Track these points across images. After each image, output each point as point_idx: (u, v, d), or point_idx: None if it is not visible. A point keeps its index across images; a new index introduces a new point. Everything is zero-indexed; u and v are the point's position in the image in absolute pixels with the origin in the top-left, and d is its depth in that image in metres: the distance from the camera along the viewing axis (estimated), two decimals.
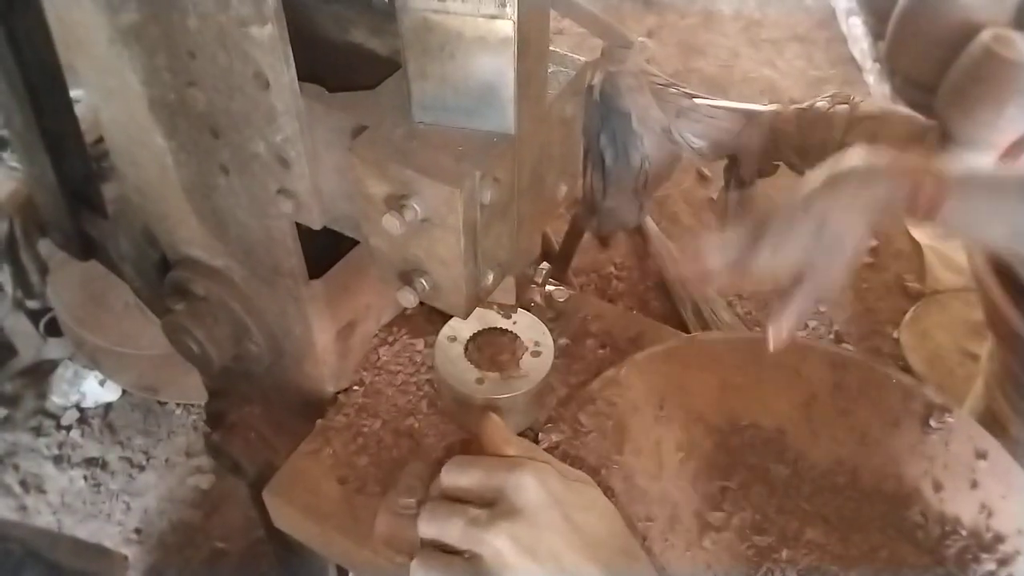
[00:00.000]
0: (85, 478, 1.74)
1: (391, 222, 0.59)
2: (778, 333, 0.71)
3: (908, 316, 2.18)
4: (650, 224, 2.34)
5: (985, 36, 2.21)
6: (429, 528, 0.64)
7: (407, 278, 0.65)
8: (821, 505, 0.81)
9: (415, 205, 0.59)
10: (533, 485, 0.61)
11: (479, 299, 0.67)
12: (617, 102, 0.93)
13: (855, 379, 0.90)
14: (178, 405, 1.86)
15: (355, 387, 0.93)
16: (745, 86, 2.89)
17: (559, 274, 1.10)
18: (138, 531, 1.68)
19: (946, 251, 2.31)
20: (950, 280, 2.27)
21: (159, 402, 1.86)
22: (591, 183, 1.05)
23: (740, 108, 0.88)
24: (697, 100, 0.90)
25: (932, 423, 0.86)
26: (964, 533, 0.79)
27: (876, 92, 2.75)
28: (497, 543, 0.59)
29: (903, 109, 0.90)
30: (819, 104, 0.85)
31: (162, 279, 0.95)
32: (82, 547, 0.85)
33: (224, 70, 0.63)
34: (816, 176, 0.74)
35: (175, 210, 0.83)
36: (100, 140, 1.63)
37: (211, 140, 0.71)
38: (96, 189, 0.99)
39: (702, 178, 2.53)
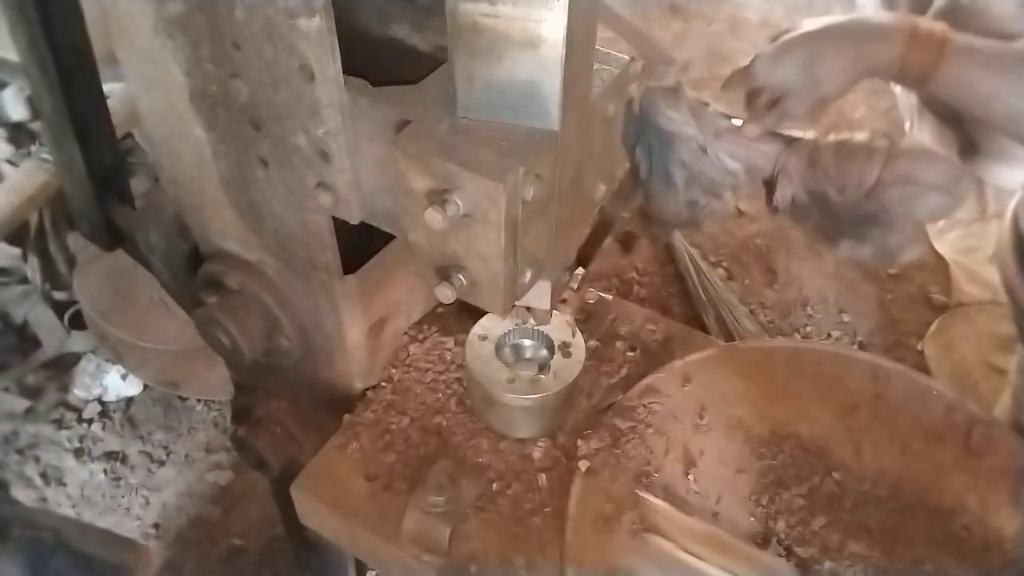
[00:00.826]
0: (105, 472, 1.75)
1: (433, 216, 0.58)
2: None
3: (933, 328, 2.16)
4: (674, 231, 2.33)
5: (1020, 45, 2.19)
6: None
7: (445, 274, 0.65)
8: (864, 517, 0.80)
9: (457, 200, 0.58)
10: None
11: (516, 296, 0.67)
12: (655, 118, 0.93)
13: (897, 391, 0.89)
14: (199, 401, 1.86)
15: (383, 384, 0.93)
16: None
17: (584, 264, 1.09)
18: (156, 526, 1.68)
19: (972, 265, 2.29)
20: (975, 293, 2.24)
21: (180, 397, 1.86)
22: (648, 171, 1.04)
23: (780, 134, 0.87)
24: (735, 121, 0.90)
25: (975, 437, 0.85)
26: (1008, 547, 0.79)
27: (903, 103, 2.73)
28: None
29: (942, 152, 0.89)
30: (858, 138, 0.84)
31: (191, 272, 0.95)
32: (110, 538, 0.85)
33: (269, 62, 0.63)
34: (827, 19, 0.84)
35: (211, 202, 0.83)
36: (128, 135, 1.64)
37: (251, 132, 0.71)
38: (124, 179, 1.00)
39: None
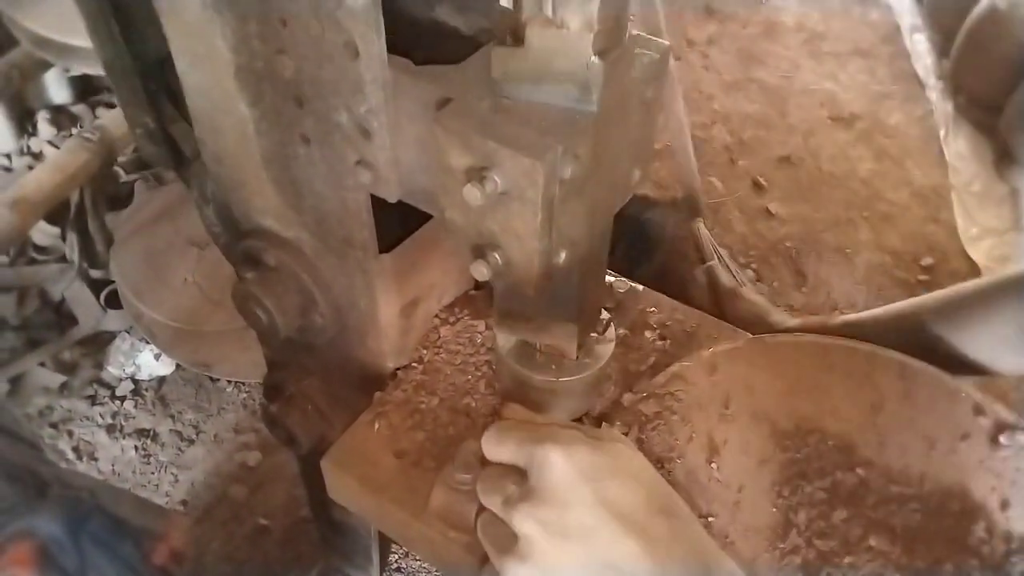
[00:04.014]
0: (136, 448, 1.78)
1: (472, 192, 0.59)
2: None
3: None
4: (703, 230, 2.33)
5: None
6: (481, 498, 0.66)
7: (480, 252, 0.66)
8: (886, 514, 0.80)
9: (496, 177, 0.60)
10: (559, 462, 0.60)
11: (549, 277, 0.68)
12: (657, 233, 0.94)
13: (924, 389, 0.89)
14: (229, 382, 1.89)
15: (414, 364, 0.94)
16: (805, 98, 2.86)
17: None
18: (184, 503, 1.71)
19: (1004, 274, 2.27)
20: None
21: (211, 378, 1.89)
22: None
23: None
24: None
25: (1002, 440, 0.85)
26: None
27: (939, 110, 2.72)
28: (525, 528, 0.59)
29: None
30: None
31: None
32: (144, 504, 0.87)
33: (315, 38, 0.65)
34: None
35: (252, 179, 0.85)
36: None
37: (295, 109, 0.72)
38: (174, 75, 0.91)
39: (756, 187, 2.52)
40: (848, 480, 0.83)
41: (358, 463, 0.86)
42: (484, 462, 0.79)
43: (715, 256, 2.29)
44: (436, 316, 0.97)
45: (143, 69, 0.91)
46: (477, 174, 0.60)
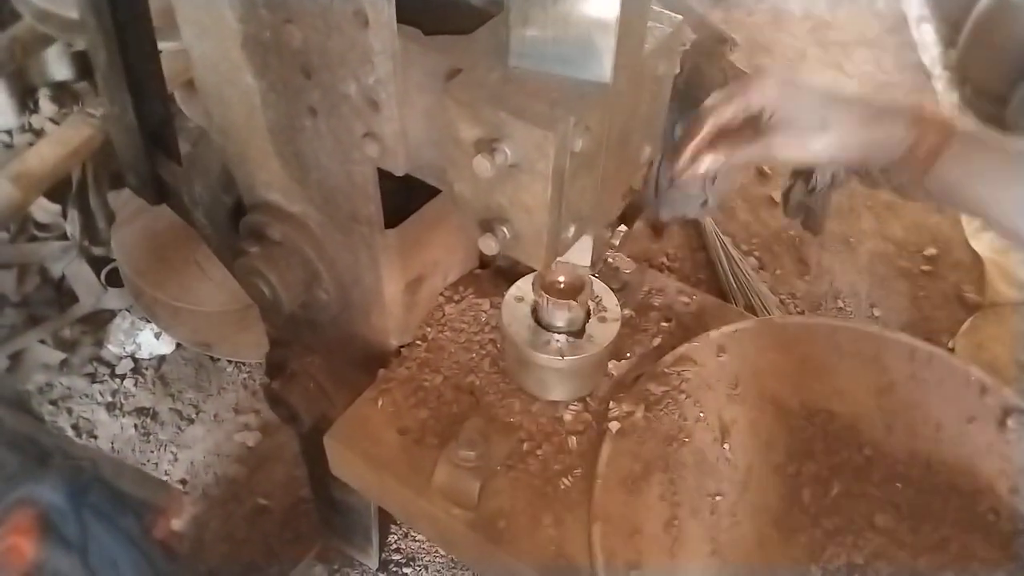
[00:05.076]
0: (136, 427, 1.77)
1: (482, 164, 0.59)
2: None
3: (965, 326, 2.14)
4: (706, 218, 2.32)
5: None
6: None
7: (488, 226, 0.65)
8: (892, 493, 0.80)
9: (506, 149, 0.59)
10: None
11: (558, 252, 0.67)
12: (698, 93, 0.93)
13: (933, 372, 0.89)
14: (230, 362, 1.88)
15: (418, 342, 0.94)
16: None
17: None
18: (183, 482, 1.70)
19: (1007, 265, 2.26)
20: (1010, 294, 2.21)
21: (211, 358, 1.88)
22: (658, 168, 1.05)
23: None
24: None
25: (1010, 423, 0.85)
26: None
27: (945, 101, 2.70)
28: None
29: (971, 122, 0.88)
30: None
31: (233, 227, 0.96)
32: (144, 478, 0.86)
33: (324, 7, 0.64)
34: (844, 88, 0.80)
35: (258, 152, 0.84)
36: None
37: (302, 80, 0.72)
38: (173, 134, 1.01)
39: (761, 175, 2.51)
40: (854, 460, 0.83)
41: (361, 440, 0.86)
42: (488, 441, 0.79)
43: (718, 243, 2.29)
44: (441, 294, 0.97)
45: (145, 127, 0.95)
46: (487, 146, 0.59)
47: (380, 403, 0.88)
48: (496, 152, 0.59)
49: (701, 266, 2.28)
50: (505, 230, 0.65)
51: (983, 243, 2.30)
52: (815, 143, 0.76)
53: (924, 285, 2.26)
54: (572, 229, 0.66)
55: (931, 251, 2.31)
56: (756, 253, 2.30)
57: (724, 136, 0.75)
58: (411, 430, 0.86)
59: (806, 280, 2.26)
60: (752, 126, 0.75)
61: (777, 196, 2.43)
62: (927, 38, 2.94)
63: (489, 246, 0.65)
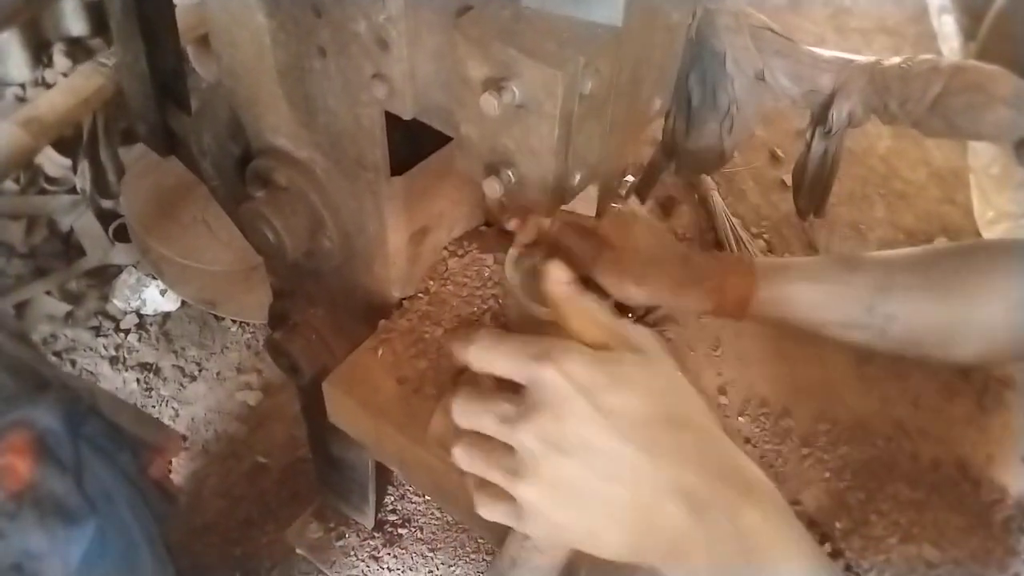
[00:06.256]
0: (138, 381, 1.78)
1: (488, 102, 0.58)
2: None
3: None
4: (716, 198, 2.31)
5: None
6: (464, 420, 0.63)
7: (494, 169, 0.65)
8: (854, 456, 0.80)
9: (514, 88, 0.58)
10: (554, 378, 0.57)
11: (563, 199, 0.67)
12: (712, 41, 0.92)
13: None
14: (234, 322, 1.89)
15: (420, 295, 0.94)
16: None
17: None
18: (184, 438, 1.71)
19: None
20: None
21: (216, 317, 1.89)
22: (674, 123, 1.04)
23: (839, 56, 0.86)
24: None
25: (988, 395, 0.85)
26: (1011, 503, 0.78)
27: None
28: (526, 442, 0.57)
29: (1008, 73, 0.87)
30: (923, 57, 0.83)
31: (240, 176, 0.96)
32: (142, 416, 0.87)
33: None
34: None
35: (266, 95, 0.84)
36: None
37: (313, 19, 0.71)
38: (183, 84, 1.01)
39: (774, 158, 2.49)
40: (824, 415, 0.83)
41: (359, 387, 0.86)
42: (458, 378, 0.76)
43: (727, 224, 2.28)
44: (445, 248, 0.97)
45: (157, 77, 0.95)
46: (495, 84, 0.59)
47: (380, 352, 0.88)
48: (504, 91, 0.58)
49: (709, 247, 2.27)
50: (510, 174, 0.64)
51: (995, 235, 2.29)
52: (632, 291, 0.86)
53: None
54: (578, 176, 0.66)
55: (941, 240, 2.30)
56: (765, 236, 2.29)
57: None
58: (410, 380, 0.86)
59: None
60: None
61: (788, 180, 2.42)
62: (947, 29, 2.91)
63: (493, 188, 0.65)
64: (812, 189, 1.02)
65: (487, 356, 0.62)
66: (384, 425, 0.83)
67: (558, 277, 0.64)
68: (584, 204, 0.73)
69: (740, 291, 0.83)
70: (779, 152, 2.50)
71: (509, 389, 0.61)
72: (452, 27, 0.60)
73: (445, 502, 0.89)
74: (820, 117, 0.97)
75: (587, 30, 0.59)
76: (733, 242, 2.24)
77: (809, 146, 1.04)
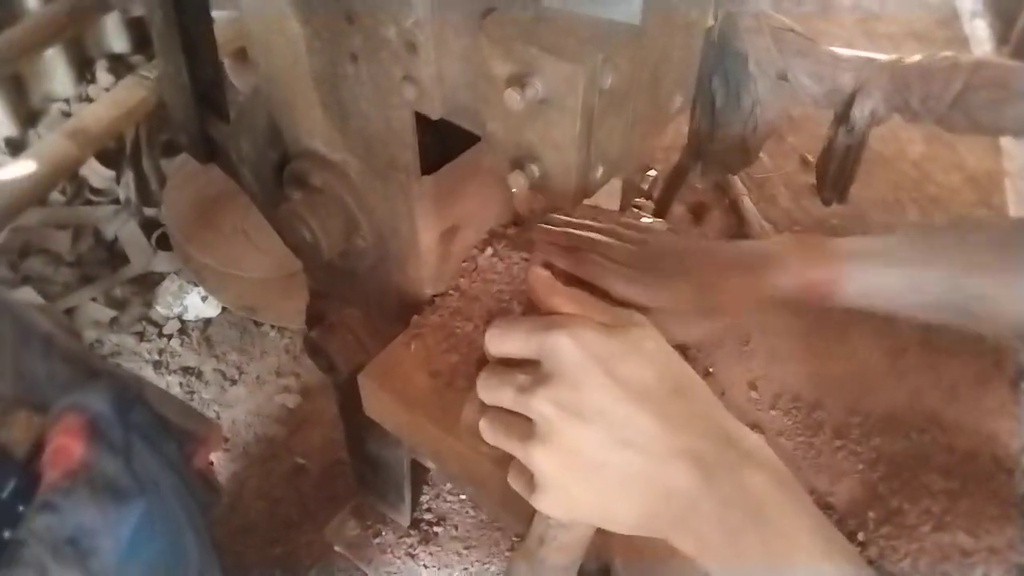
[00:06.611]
0: (180, 385, 1.83)
1: (512, 96, 0.61)
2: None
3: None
4: (747, 204, 2.32)
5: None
6: (486, 396, 0.66)
7: (519, 164, 0.68)
8: (888, 448, 0.81)
9: (536, 83, 0.61)
10: (568, 346, 0.60)
11: (586, 192, 0.69)
12: (734, 43, 0.94)
13: (945, 337, 0.89)
14: (272, 327, 1.93)
15: (451, 291, 0.96)
16: None
17: (661, 214, 1.12)
18: (225, 439, 1.76)
19: None
20: None
21: (255, 323, 1.93)
22: (698, 125, 1.06)
23: (860, 55, 0.88)
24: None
25: (1023, 385, 0.85)
26: None
27: None
28: (543, 409, 0.60)
29: None
30: (944, 55, 0.85)
31: (277, 181, 1.00)
32: (187, 409, 0.90)
33: None
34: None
35: (302, 100, 0.87)
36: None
37: (345, 26, 0.74)
38: (222, 94, 1.05)
39: (804, 163, 2.50)
40: (869, 413, 0.84)
41: (393, 380, 0.89)
42: (483, 365, 0.78)
43: (758, 229, 2.28)
44: (474, 247, 0.99)
45: (197, 87, 0.99)
46: (518, 81, 0.62)
47: (413, 347, 0.91)
48: (527, 87, 0.61)
49: None
50: (535, 168, 0.67)
51: None
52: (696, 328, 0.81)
53: None
54: (601, 170, 0.68)
55: None
56: None
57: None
58: (442, 373, 0.89)
59: None
60: None
61: None
62: (980, 33, 2.90)
63: (519, 182, 0.67)
64: (835, 181, 1.04)
65: (502, 338, 0.64)
66: (418, 417, 0.86)
67: (541, 272, 0.67)
68: (607, 198, 0.76)
69: (824, 279, 0.79)
70: (809, 157, 2.50)
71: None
72: (476, 29, 0.63)
73: (477, 492, 0.91)
74: (843, 115, 0.98)
75: (606, 28, 0.62)
76: None
77: (832, 142, 1.05)
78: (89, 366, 0.78)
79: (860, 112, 0.90)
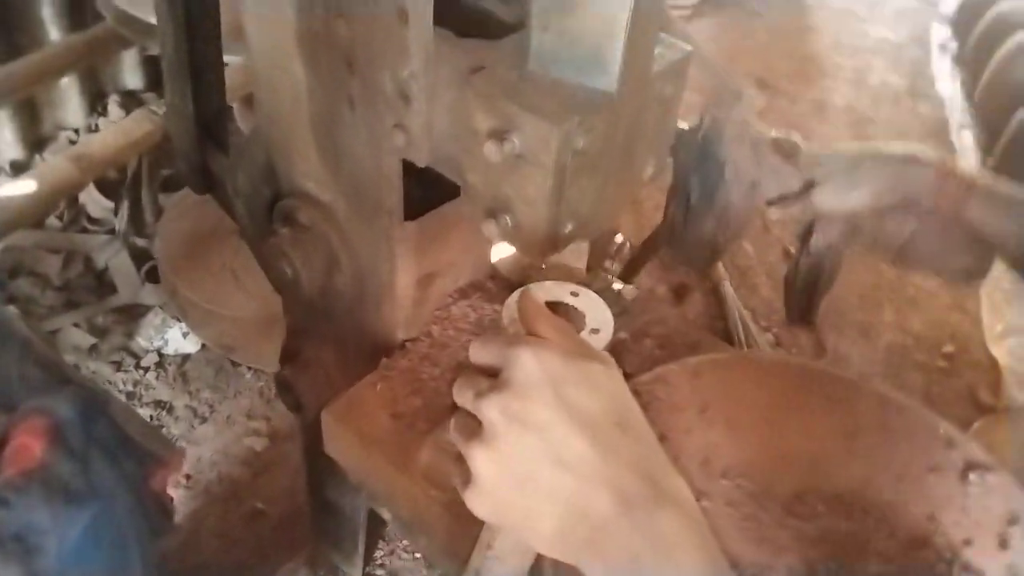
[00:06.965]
0: (151, 418, 1.83)
1: (491, 149, 0.65)
2: None
3: (976, 427, 2.14)
4: (727, 288, 2.37)
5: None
6: (456, 396, 0.69)
7: (493, 214, 0.71)
8: (833, 528, 0.83)
9: (515, 139, 0.65)
10: (528, 361, 0.63)
11: (555, 247, 0.73)
12: (716, 148, 1.00)
13: (902, 421, 0.92)
14: (250, 369, 1.94)
15: (423, 337, 0.99)
16: None
17: (627, 279, 1.15)
18: (188, 476, 1.75)
19: None
20: None
21: (233, 363, 1.95)
22: (674, 213, 1.11)
23: None
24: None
25: (971, 477, 0.87)
26: None
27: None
28: (490, 414, 0.62)
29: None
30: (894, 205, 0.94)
31: (268, 216, 1.03)
32: (150, 430, 0.92)
33: (371, 3, 0.71)
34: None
35: (299, 142, 0.91)
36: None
37: (345, 73, 0.79)
38: (225, 127, 1.09)
39: (787, 255, 2.55)
40: (817, 491, 0.86)
41: (356, 418, 0.91)
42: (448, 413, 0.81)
43: (736, 315, 2.32)
44: (449, 296, 1.02)
45: (201, 117, 1.04)
46: (498, 135, 0.66)
47: (378, 387, 0.93)
48: (506, 141, 0.65)
49: (719, 336, 2.31)
50: (508, 219, 0.71)
51: (1003, 349, 2.31)
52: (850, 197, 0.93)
53: (939, 381, 2.27)
54: (570, 226, 0.72)
55: (949, 348, 2.33)
56: (774, 330, 2.34)
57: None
58: (404, 415, 0.91)
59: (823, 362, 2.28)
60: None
61: None
62: (967, 144, 3.00)
63: (492, 231, 0.71)
64: (799, 301, 1.09)
65: (481, 347, 0.68)
66: (376, 454, 0.88)
67: (533, 297, 0.70)
68: (574, 256, 0.79)
69: (955, 198, 0.90)
70: (792, 250, 2.56)
71: None
72: (465, 83, 0.68)
73: (425, 538, 0.92)
74: (804, 237, 1.03)
75: (584, 93, 0.66)
76: (741, 333, 2.28)
77: (797, 261, 1.10)
78: (62, 373, 0.80)
79: (815, 243, 0.95)
